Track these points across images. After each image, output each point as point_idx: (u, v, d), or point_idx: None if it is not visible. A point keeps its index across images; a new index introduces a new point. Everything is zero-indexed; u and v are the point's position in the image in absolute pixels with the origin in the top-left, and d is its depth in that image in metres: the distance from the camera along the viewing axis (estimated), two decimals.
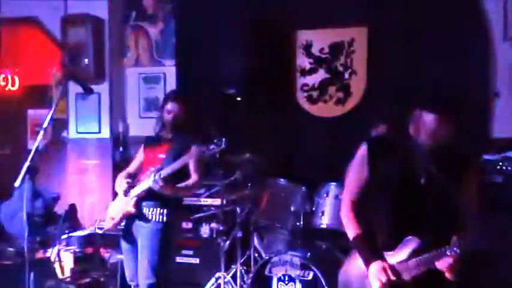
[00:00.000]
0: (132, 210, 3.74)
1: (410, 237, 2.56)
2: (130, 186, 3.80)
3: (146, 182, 3.69)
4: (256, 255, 4.72)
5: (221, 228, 4.78)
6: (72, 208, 5.61)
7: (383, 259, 2.56)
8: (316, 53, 5.31)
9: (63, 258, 5.00)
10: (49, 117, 3.57)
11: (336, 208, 4.21)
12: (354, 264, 2.69)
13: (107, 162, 5.77)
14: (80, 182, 5.88)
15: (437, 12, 4.79)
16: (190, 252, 5.07)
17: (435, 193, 2.56)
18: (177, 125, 3.81)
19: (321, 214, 4.30)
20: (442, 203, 2.57)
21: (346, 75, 5.21)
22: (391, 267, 2.54)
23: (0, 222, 5.45)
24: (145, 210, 3.75)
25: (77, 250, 5.08)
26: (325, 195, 4.34)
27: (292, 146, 5.16)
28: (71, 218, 5.55)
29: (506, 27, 4.70)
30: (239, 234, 4.60)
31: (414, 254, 2.54)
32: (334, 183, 4.34)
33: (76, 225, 5.51)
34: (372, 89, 5.10)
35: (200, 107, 4.98)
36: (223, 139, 3.51)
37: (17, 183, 3.18)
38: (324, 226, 4.30)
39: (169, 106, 3.83)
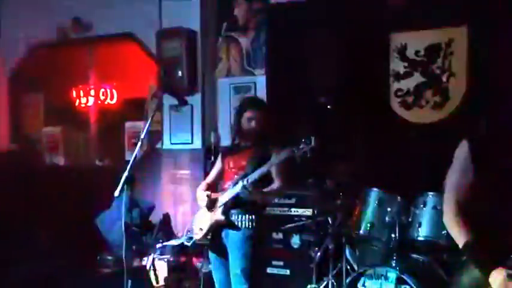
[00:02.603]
0: (222, 218, 3.72)
1: None
2: (211, 199, 3.78)
3: (233, 190, 3.67)
4: (348, 267, 4.51)
5: (312, 239, 4.66)
6: (166, 217, 5.72)
7: (507, 265, 2.35)
8: (411, 56, 5.08)
9: (158, 267, 5.10)
10: (146, 128, 3.74)
11: (434, 219, 3.99)
12: None
13: (198, 172, 5.80)
14: (173, 192, 5.97)
15: None
16: (281, 264, 4.98)
17: None
18: (259, 132, 3.76)
19: (417, 225, 4.08)
20: None
21: (444, 78, 4.94)
22: None
23: (100, 232, 5.63)
24: (234, 218, 3.72)
25: (171, 259, 5.16)
26: (422, 205, 4.11)
27: (386, 153, 4.93)
28: (165, 227, 5.65)
29: None
30: (331, 246, 4.43)
31: None
32: (431, 193, 4.11)
33: (170, 234, 5.60)
34: (473, 92, 4.80)
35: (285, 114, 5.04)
36: (313, 137, 3.41)
37: (116, 193, 3.28)
38: (421, 238, 4.08)
39: (249, 113, 3.79)
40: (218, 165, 4.01)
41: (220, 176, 3.97)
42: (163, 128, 6.00)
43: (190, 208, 5.79)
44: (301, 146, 3.44)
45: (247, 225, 3.69)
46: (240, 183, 3.60)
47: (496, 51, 4.61)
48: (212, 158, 5.65)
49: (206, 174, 5.45)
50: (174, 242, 5.35)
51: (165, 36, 5.79)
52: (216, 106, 5.94)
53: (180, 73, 5.63)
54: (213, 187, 4.00)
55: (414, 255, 4.21)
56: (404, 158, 4.85)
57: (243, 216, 3.70)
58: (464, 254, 2.49)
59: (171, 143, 5.98)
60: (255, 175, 3.58)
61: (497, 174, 2.46)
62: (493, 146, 2.51)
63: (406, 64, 5.09)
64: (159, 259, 5.17)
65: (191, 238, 4.12)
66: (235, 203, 3.70)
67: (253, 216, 3.69)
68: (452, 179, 2.59)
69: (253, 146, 3.79)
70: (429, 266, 4.12)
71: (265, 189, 3.69)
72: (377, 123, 5.06)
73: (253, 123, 3.77)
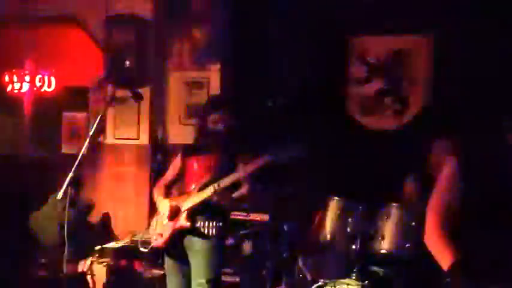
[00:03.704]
0: (187, 225, 3.52)
1: None
2: (174, 207, 3.59)
3: (201, 194, 3.51)
4: (300, 276, 4.39)
5: (266, 246, 4.54)
6: (106, 218, 5.44)
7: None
8: (371, 61, 5.05)
9: (96, 271, 4.83)
10: (95, 124, 3.43)
11: (398, 232, 3.88)
12: None
13: (144, 170, 5.53)
14: (115, 190, 5.65)
15: (503, 16, 4.49)
16: (230, 271, 4.73)
17: None
18: (226, 135, 3.62)
19: (380, 238, 3.94)
20: None
21: (404, 86, 4.95)
22: None
23: (33, 232, 5.23)
24: (200, 224, 3.55)
25: (111, 263, 4.88)
26: (385, 217, 3.96)
27: (345, 160, 4.87)
28: (105, 228, 5.39)
29: None
30: (286, 254, 4.33)
31: None
32: (395, 205, 4.00)
33: (110, 236, 5.33)
34: (433, 100, 4.84)
35: (248, 115, 4.82)
36: (296, 145, 3.33)
37: (59, 196, 3.01)
38: (384, 251, 3.94)
39: (216, 115, 3.63)
40: (177, 164, 3.82)
41: (180, 177, 3.80)
42: (106, 121, 5.64)
43: (134, 208, 5.52)
44: (284, 153, 3.32)
45: (214, 233, 3.54)
46: (211, 188, 3.45)
47: (458, 61, 4.63)
48: (159, 155, 5.49)
49: (152, 171, 5.44)
50: (114, 245, 5.05)
51: (114, 22, 5.38)
52: (165, 100, 5.66)
53: (128, 63, 5.25)
54: (170, 188, 3.84)
55: (375, 268, 4.10)
56: (363, 165, 4.79)
57: (210, 223, 3.54)
58: (450, 276, 2.37)
59: (115, 138, 5.64)
60: (228, 180, 3.44)
61: (484, 191, 2.40)
62: (480, 163, 2.46)
63: (366, 69, 5.06)
64: (98, 263, 4.88)
65: (146, 243, 3.85)
66: (202, 208, 3.53)
67: (221, 223, 3.56)
68: (438, 198, 2.50)
69: (221, 148, 3.64)
70: (391, 279, 4.04)
71: (235, 194, 3.56)
72: (336, 129, 5.00)
73: (219, 125, 3.62)
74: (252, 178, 3.56)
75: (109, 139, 5.68)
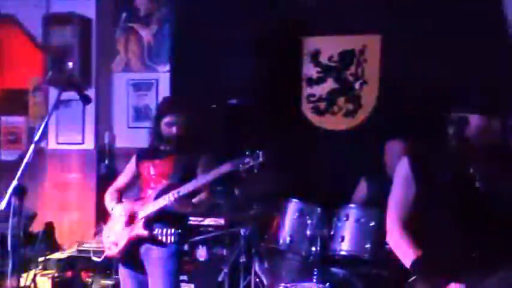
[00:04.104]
0: (144, 233, 3.40)
1: None
2: (131, 214, 3.47)
3: (160, 202, 3.38)
4: (257, 280, 4.35)
5: (222, 251, 4.49)
6: (50, 227, 5.17)
7: (459, 280, 2.35)
8: (324, 62, 5.01)
9: (40, 284, 4.58)
10: (41, 129, 3.14)
11: (357, 233, 3.88)
12: None
13: (90, 176, 5.35)
14: (59, 198, 5.43)
15: (453, 18, 4.58)
16: (185, 278, 4.64)
17: (496, 196, 2.41)
18: (182, 138, 3.52)
19: (340, 239, 3.93)
20: (507, 206, 2.40)
21: (357, 86, 4.93)
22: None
23: None
24: (157, 232, 3.44)
25: (55, 274, 4.70)
26: (345, 218, 3.95)
27: (300, 161, 4.82)
28: (49, 238, 5.11)
29: None
30: (242, 259, 4.21)
31: None
32: (354, 205, 4.04)
33: (54, 246, 5.11)
34: (385, 100, 4.85)
35: (203, 118, 4.70)
36: (260, 152, 3.25)
37: (1, 206, 2.78)
38: (344, 253, 3.94)
39: (169, 118, 3.53)
40: (131, 169, 3.71)
41: (134, 182, 3.71)
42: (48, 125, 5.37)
43: (79, 216, 5.33)
44: (246, 160, 3.23)
45: (171, 240, 3.44)
46: (170, 196, 3.33)
47: (408, 60, 4.66)
48: (106, 160, 5.34)
49: (99, 178, 5.28)
50: (59, 255, 4.86)
51: (54, 21, 5.16)
52: (111, 103, 5.48)
53: (70, 64, 5.07)
54: (124, 193, 3.74)
55: (334, 269, 4.09)
56: (319, 165, 4.78)
57: (168, 230, 3.44)
58: (413, 272, 2.45)
59: (58, 143, 5.41)
60: (189, 188, 3.33)
61: (436, 189, 2.49)
62: (430, 162, 2.56)
63: (319, 69, 5.02)
64: (42, 275, 4.66)
65: (99, 252, 3.80)
66: (159, 215, 3.41)
67: (179, 230, 3.47)
68: (395, 197, 2.59)
69: (177, 153, 3.54)
70: (348, 280, 4.03)
71: (194, 200, 3.46)
72: (289, 129, 4.91)
73: (174, 129, 3.52)
74: (211, 183, 3.47)
75: (51, 144, 5.45)
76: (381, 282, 3.85)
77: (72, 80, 4.72)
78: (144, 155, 3.67)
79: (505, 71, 4.35)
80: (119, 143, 5.44)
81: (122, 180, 3.74)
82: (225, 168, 3.31)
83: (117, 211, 3.53)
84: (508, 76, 4.30)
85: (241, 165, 3.26)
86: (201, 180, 3.36)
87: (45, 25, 5.18)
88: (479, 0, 4.59)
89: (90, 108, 5.24)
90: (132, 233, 3.42)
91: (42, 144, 5.45)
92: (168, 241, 3.43)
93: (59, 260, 4.78)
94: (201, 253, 4.67)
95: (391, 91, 4.78)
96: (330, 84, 5.00)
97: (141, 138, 4.65)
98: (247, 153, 3.26)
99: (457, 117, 2.48)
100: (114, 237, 3.49)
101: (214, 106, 4.93)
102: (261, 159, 3.24)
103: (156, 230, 3.43)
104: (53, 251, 4.94)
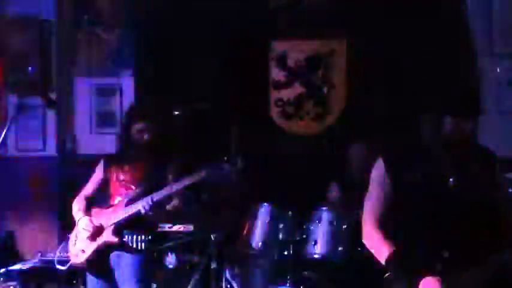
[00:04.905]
0: (114, 239, 3.38)
1: None
2: (97, 226, 3.43)
3: (131, 208, 3.37)
4: (228, 286, 4.29)
5: (192, 258, 4.41)
6: (10, 237, 5.08)
7: (433, 273, 2.37)
8: (291, 65, 5.02)
9: None
10: (2, 136, 3.29)
11: (330, 236, 3.89)
12: None
13: (52, 183, 5.17)
14: (18, 206, 5.20)
15: (421, 24, 4.65)
16: (154, 286, 4.34)
17: (468, 193, 2.47)
18: (153, 145, 3.50)
19: (313, 243, 3.93)
20: (478, 204, 2.48)
21: (325, 90, 4.96)
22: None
23: None
24: (128, 239, 3.43)
25: (17, 287, 4.49)
26: (317, 221, 3.96)
27: (270, 166, 4.81)
28: (9, 248, 5.04)
29: (492, 42, 4.62)
30: (213, 265, 4.12)
31: None
32: (326, 208, 4.02)
33: (15, 256, 4.98)
34: (352, 104, 4.90)
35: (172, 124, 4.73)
36: (239, 158, 3.30)
37: None
38: (317, 256, 3.93)
39: (140, 125, 3.51)
40: (99, 175, 3.67)
41: (102, 187, 3.66)
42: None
43: (40, 225, 5.14)
44: (224, 167, 3.26)
45: (143, 247, 3.44)
46: (143, 202, 3.32)
47: (374, 64, 4.74)
48: (69, 167, 5.15)
49: (61, 185, 5.09)
50: (21, 266, 4.63)
51: (12, 24, 4.96)
52: (74, 108, 5.31)
53: (30, 69, 4.84)
54: (91, 200, 3.67)
55: (307, 273, 4.07)
56: (288, 170, 4.77)
57: (139, 237, 3.42)
58: (389, 268, 2.47)
59: (17, 150, 5.21)
60: (162, 194, 3.33)
61: (409, 188, 2.52)
62: (404, 162, 2.57)
63: (286, 73, 5.03)
64: (2, 287, 4.45)
65: (63, 261, 3.67)
66: (129, 222, 3.39)
67: (150, 237, 3.47)
68: (372, 198, 2.61)
69: (148, 159, 3.53)
70: (324, 284, 4.02)
71: (168, 207, 3.47)
72: (257, 134, 4.91)
73: (145, 136, 3.50)
74: (183, 191, 3.49)
75: (11, 151, 5.23)
76: (354, 286, 3.85)
77: (34, 84, 4.60)
78: (112, 160, 3.62)
79: (476, 73, 4.48)
80: (83, 150, 5.27)
81: (89, 187, 3.68)
82: (197, 176, 3.31)
83: (84, 221, 3.46)
84: (478, 77, 4.44)
85: (211, 176, 3.29)
86: (177, 185, 3.33)
87: (2, 27, 4.97)
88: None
89: (52, 114, 5.12)
90: (100, 240, 3.38)
91: (1, 151, 5.14)
92: (139, 248, 3.40)
93: (21, 271, 4.55)
94: (170, 260, 4.54)
95: (359, 94, 4.83)
96: (297, 89, 5.00)
97: (105, 145, 4.78)
98: (225, 158, 3.24)
99: (429, 118, 2.52)
100: (81, 244, 3.44)
101: (178, 113, 4.90)
102: (239, 165, 3.27)
103: (126, 236, 3.40)
104: (14, 262, 4.70)
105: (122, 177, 3.52)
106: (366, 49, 4.78)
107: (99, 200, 3.71)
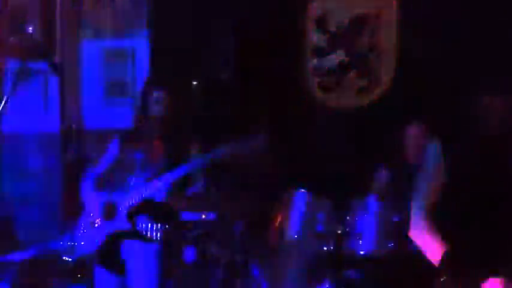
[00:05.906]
0: (126, 227, 3.28)
1: None
2: (109, 206, 3.32)
3: (145, 190, 3.28)
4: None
5: (214, 251, 4.00)
6: (7, 223, 4.85)
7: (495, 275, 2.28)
8: (333, 29, 4.57)
9: None
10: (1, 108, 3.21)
11: (378, 229, 3.56)
12: None
13: (54, 163, 4.95)
14: (16, 190, 4.98)
15: None
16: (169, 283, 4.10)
17: None
18: (169, 119, 3.40)
19: (357, 237, 3.60)
20: None
21: (371, 57, 4.52)
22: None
23: None
24: (141, 226, 3.32)
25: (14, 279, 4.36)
26: (362, 212, 3.63)
27: (306, 146, 4.45)
28: (7, 235, 4.81)
29: None
30: (238, 259, 3.84)
31: None
32: (373, 197, 3.69)
33: (12, 244, 4.74)
34: (403, 75, 4.44)
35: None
36: (262, 136, 3.16)
37: None
38: (362, 252, 3.60)
39: (156, 93, 3.39)
40: (112, 153, 3.57)
41: (115, 167, 3.54)
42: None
43: (43, 208, 4.91)
44: (251, 146, 3.16)
45: (158, 237, 3.34)
46: (160, 184, 3.23)
47: (429, 27, 4.28)
48: (74, 144, 4.95)
49: (67, 165, 4.86)
50: (19, 256, 4.47)
51: None
52: (79, 76, 5.00)
53: (30, 29, 4.70)
54: (103, 181, 3.58)
55: (350, 272, 3.74)
56: (326, 151, 4.38)
57: (155, 225, 3.32)
58: (444, 270, 2.37)
59: (13, 124, 4.73)
60: (180, 173, 3.18)
61: (466, 179, 2.42)
62: (461, 149, 2.47)
63: (326, 38, 4.59)
64: None
65: (70, 250, 3.52)
66: (145, 207, 3.28)
67: (167, 226, 3.38)
68: (424, 185, 2.53)
69: (166, 136, 3.41)
70: (367, 285, 3.73)
71: (189, 192, 3.36)
72: (290, 108, 4.56)
73: (161, 108, 3.38)
74: (205, 173, 3.42)
75: (7, 126, 4.66)
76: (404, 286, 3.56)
77: (37, 47, 4.44)
78: (128, 137, 3.53)
79: None
80: (90, 124, 5.01)
81: (101, 167, 3.57)
82: (229, 149, 3.19)
83: (95, 202, 3.37)
84: None
85: (246, 149, 3.18)
86: (196, 163, 3.22)
87: None
88: None
89: (54, 83, 4.87)
90: (112, 227, 3.29)
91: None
92: (154, 237, 3.32)
93: (19, 262, 4.38)
94: (188, 253, 4.12)
95: (412, 63, 4.37)
96: (339, 56, 4.58)
97: (116, 118, 4.53)
98: (252, 136, 3.16)
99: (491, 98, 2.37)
100: (91, 232, 3.35)
101: (197, 82, 4.65)
102: (258, 143, 3.17)
103: (141, 224, 3.30)
104: (11, 251, 4.51)
105: (138, 155, 3.42)
106: (419, 9, 4.31)
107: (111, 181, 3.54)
